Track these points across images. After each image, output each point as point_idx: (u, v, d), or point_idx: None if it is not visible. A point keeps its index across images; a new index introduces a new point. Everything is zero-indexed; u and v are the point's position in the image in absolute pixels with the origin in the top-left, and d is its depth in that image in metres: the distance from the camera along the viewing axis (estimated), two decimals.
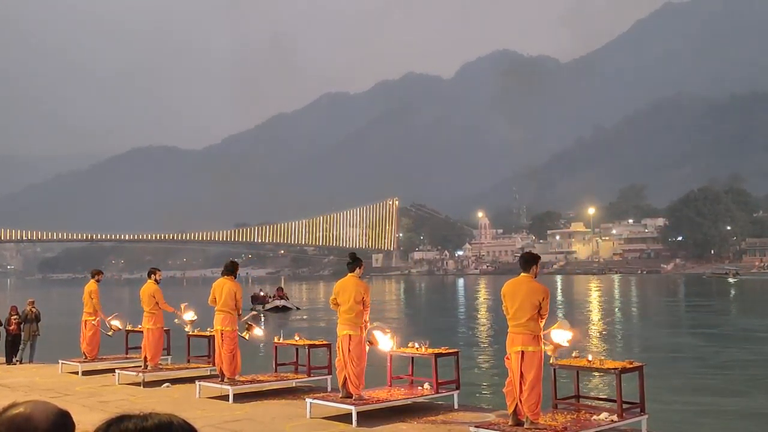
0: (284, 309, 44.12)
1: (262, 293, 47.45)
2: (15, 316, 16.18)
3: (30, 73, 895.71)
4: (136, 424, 1.28)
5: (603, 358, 8.56)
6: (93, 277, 14.12)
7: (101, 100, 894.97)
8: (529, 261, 7.33)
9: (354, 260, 9.12)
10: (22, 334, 16.21)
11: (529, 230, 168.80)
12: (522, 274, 7.31)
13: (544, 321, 7.16)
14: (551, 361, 7.64)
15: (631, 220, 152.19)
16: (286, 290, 50.73)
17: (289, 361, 11.47)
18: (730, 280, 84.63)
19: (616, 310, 43.02)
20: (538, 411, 7.05)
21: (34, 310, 16.66)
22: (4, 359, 15.90)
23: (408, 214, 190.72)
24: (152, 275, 12.47)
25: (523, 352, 7.05)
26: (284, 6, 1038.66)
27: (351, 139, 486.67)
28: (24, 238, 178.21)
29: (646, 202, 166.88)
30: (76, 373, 12.95)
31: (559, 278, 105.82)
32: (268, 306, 44.25)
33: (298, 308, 46.27)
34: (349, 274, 9.02)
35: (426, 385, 9.32)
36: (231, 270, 10.76)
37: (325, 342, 11.50)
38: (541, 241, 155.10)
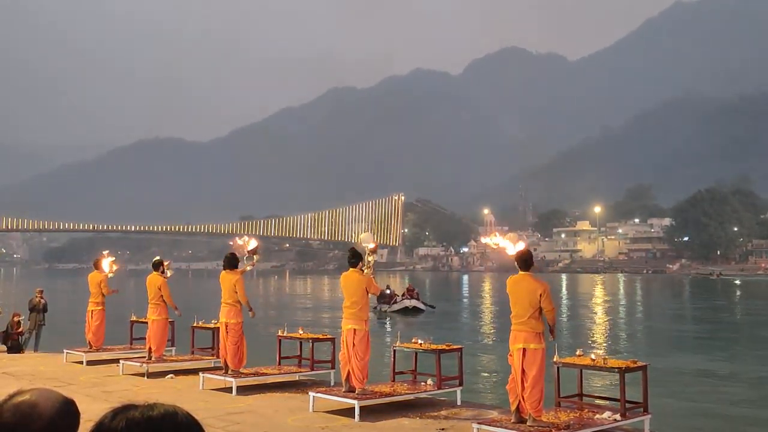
0: (416, 310, 37.31)
1: (388, 291, 39.47)
2: (18, 320, 16.09)
3: (36, 64, 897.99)
4: (142, 413, 1.30)
5: (606, 357, 8.55)
6: (96, 267, 14.12)
7: (108, 91, 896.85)
8: (526, 260, 7.35)
9: (354, 255, 9.13)
10: (29, 322, 16.28)
11: (534, 228, 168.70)
12: (521, 272, 7.34)
13: (551, 317, 7.19)
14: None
15: (637, 220, 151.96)
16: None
17: (292, 355, 11.50)
18: (737, 282, 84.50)
19: (621, 309, 42.96)
20: (540, 408, 7.05)
21: (42, 300, 16.73)
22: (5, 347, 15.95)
23: (413, 210, 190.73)
24: (159, 267, 12.48)
25: (524, 349, 7.09)
26: (291, 1, 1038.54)
27: (358, 134, 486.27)
28: (30, 227, 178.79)
29: (653, 201, 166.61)
30: (81, 362, 12.99)
31: (563, 276, 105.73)
32: (396, 306, 37.75)
33: (433, 307, 38.76)
34: (352, 269, 9.03)
35: (429, 381, 9.33)
36: (232, 262, 10.80)
37: (328, 336, 11.52)
38: (546, 239, 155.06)
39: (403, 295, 39.00)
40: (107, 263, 13.94)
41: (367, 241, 9.61)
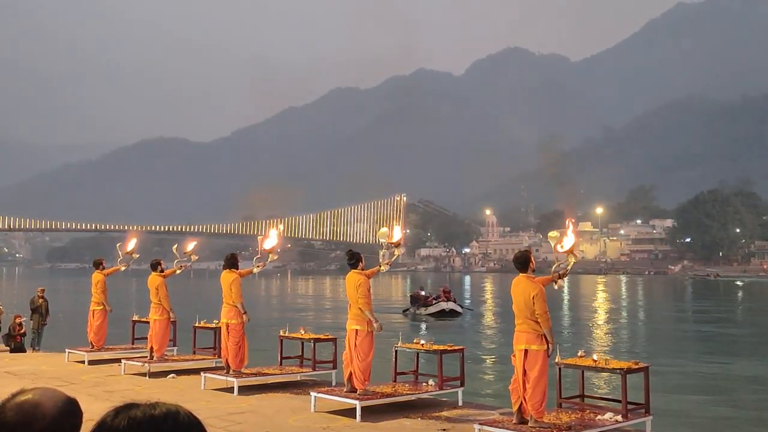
0: (453, 313, 35.63)
1: (423, 293, 38.29)
2: (20, 321, 16.12)
3: (41, 63, 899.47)
4: (144, 411, 1.30)
5: (608, 358, 8.54)
6: (97, 267, 14.10)
7: (112, 91, 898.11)
8: (524, 262, 7.34)
9: (352, 257, 9.13)
10: (31, 323, 16.32)
11: (536, 229, 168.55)
12: (520, 274, 7.33)
13: (543, 321, 7.05)
14: (558, 282, 7.65)
15: (639, 221, 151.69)
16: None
17: (294, 355, 11.51)
18: (738, 283, 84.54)
19: (622, 310, 42.93)
20: (542, 409, 7.05)
21: (43, 300, 16.74)
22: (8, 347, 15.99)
23: (415, 211, 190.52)
24: (156, 267, 12.45)
25: (526, 350, 7.09)
26: (295, 1, 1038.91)
27: (360, 134, 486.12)
28: (32, 227, 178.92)
29: (655, 203, 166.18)
30: (83, 362, 13.01)
31: (565, 278, 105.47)
32: (431, 309, 35.85)
33: (471, 310, 38.05)
34: (353, 270, 9.03)
35: (430, 382, 9.33)
36: (232, 262, 10.75)
37: (330, 336, 11.52)
38: (548, 240, 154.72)
39: (438, 297, 36.90)
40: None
41: (384, 236, 9.50)
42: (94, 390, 10.07)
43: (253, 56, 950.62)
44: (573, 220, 7.98)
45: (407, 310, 36.94)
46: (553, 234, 7.82)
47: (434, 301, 36.48)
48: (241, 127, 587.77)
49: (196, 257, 13.05)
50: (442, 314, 35.16)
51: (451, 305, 35.96)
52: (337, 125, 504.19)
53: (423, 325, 31.53)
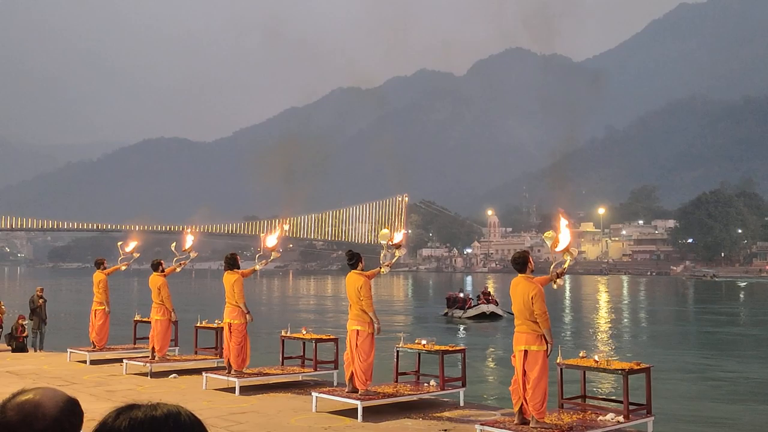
0: (493, 316, 33.56)
1: (461, 295, 36.14)
2: (23, 323, 16.16)
3: (42, 63, 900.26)
4: (145, 412, 1.30)
5: (610, 358, 8.54)
6: (98, 266, 14.10)
7: (113, 91, 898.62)
8: (522, 263, 7.33)
9: (352, 257, 9.13)
10: (32, 323, 16.36)
11: (538, 229, 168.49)
12: (518, 274, 7.32)
13: (542, 321, 7.05)
14: (557, 283, 7.65)
15: (641, 222, 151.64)
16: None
17: (295, 355, 11.50)
18: (740, 284, 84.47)
19: (624, 310, 42.87)
20: (543, 410, 7.04)
21: (42, 299, 16.77)
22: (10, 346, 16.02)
23: (417, 211, 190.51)
24: (158, 267, 12.44)
25: (526, 350, 7.09)
26: (298, 0, 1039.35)
27: (362, 134, 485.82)
28: (34, 226, 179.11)
29: (657, 203, 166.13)
30: (84, 361, 13.02)
31: (567, 278, 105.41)
32: (471, 312, 33.88)
33: (511, 314, 37.94)
34: (353, 271, 9.02)
35: (432, 382, 9.33)
36: (232, 263, 10.74)
37: (332, 336, 11.52)
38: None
39: (478, 299, 34.89)
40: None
41: (385, 238, 9.48)
42: (96, 390, 10.08)
43: (252, 57, 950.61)
44: (563, 213, 7.96)
45: (446, 313, 35.43)
46: (548, 234, 7.82)
47: (472, 304, 34.76)
48: (242, 127, 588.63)
49: (195, 254, 13.05)
50: (482, 317, 33.56)
51: (492, 308, 34.14)
52: (339, 125, 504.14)
53: (461, 329, 30.40)
